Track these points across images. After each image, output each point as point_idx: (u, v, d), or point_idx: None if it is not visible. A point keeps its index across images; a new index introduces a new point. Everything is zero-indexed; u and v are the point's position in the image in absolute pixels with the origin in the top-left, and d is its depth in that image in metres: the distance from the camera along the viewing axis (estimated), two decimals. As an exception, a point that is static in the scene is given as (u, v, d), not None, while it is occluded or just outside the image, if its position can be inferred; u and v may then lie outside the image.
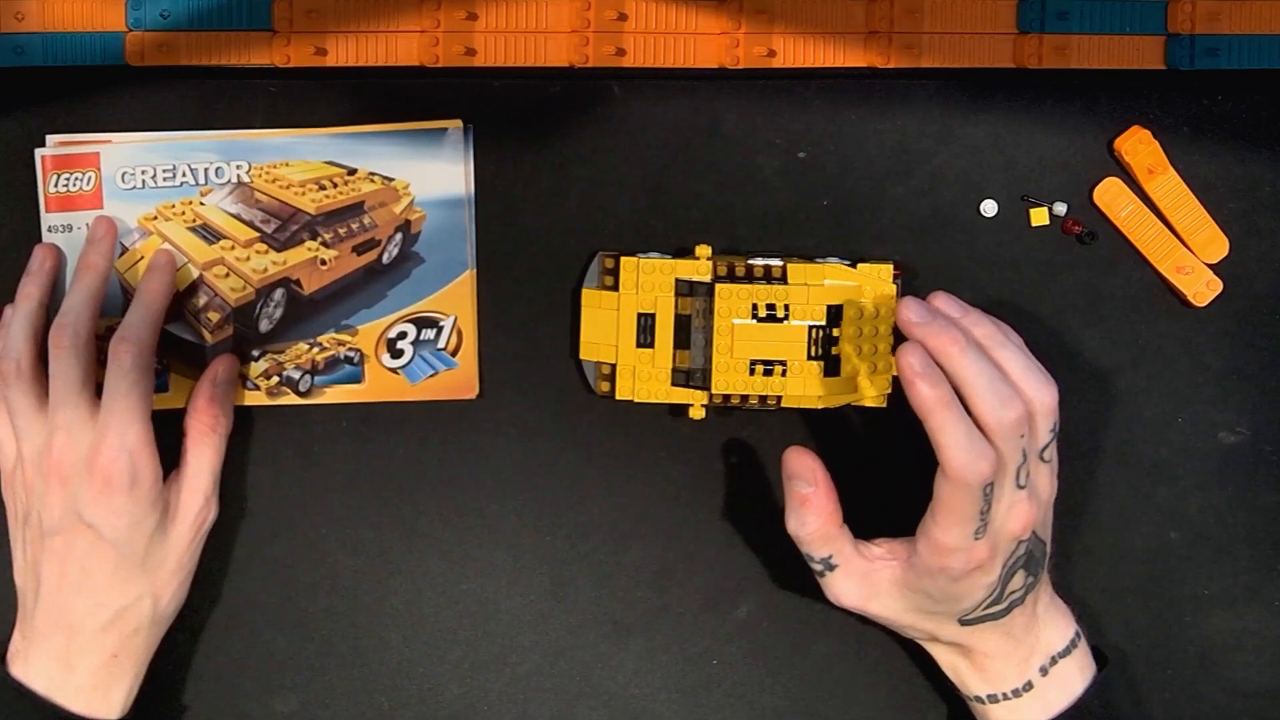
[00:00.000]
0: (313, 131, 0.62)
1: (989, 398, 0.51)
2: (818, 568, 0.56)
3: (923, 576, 0.54)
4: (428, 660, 0.62)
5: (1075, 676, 0.56)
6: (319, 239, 0.62)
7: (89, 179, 0.61)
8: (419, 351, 0.62)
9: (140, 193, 0.62)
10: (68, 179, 0.61)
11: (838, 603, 0.56)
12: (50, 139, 0.62)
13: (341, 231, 0.62)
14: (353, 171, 0.62)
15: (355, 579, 0.62)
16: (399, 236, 0.62)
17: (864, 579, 0.55)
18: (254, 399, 0.62)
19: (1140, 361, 0.63)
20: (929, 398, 0.50)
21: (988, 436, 0.51)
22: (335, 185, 0.62)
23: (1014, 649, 0.56)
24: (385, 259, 0.62)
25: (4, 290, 0.62)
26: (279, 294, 0.62)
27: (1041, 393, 0.53)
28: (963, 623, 0.55)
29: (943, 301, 0.56)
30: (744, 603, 0.63)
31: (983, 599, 0.54)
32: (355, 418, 0.63)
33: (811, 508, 0.55)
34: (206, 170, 0.62)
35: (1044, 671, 0.56)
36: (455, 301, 0.62)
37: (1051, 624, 0.56)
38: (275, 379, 0.62)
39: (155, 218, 0.62)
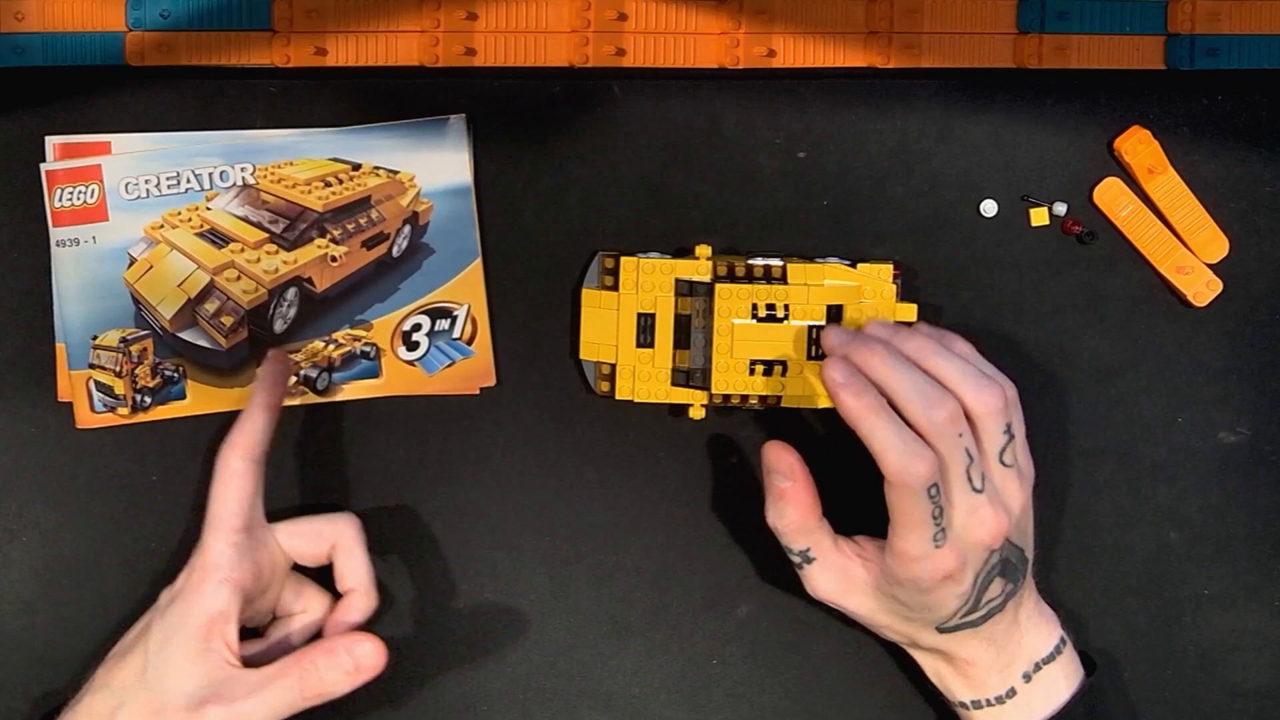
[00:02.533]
0: (315, 129, 0.62)
1: (916, 400, 0.51)
2: (796, 560, 0.56)
3: (894, 585, 0.54)
4: (428, 660, 0.62)
5: (1060, 683, 0.56)
6: (328, 236, 0.62)
7: (93, 192, 0.61)
8: (435, 342, 0.62)
9: (145, 202, 0.62)
10: (71, 193, 0.61)
11: (815, 595, 0.56)
12: (50, 140, 0.62)
13: (350, 227, 0.62)
14: (357, 166, 0.62)
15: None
16: (407, 228, 0.62)
17: (841, 574, 0.56)
18: None
19: (1140, 361, 0.63)
20: (854, 406, 0.51)
21: (925, 439, 0.51)
22: (341, 181, 0.62)
23: (996, 656, 0.56)
24: (395, 252, 0.62)
25: (4, 291, 0.62)
26: (292, 293, 0.62)
27: (983, 394, 0.52)
28: (940, 630, 0.55)
29: (873, 327, 0.56)
30: (744, 603, 0.63)
31: (957, 608, 0.54)
32: (355, 418, 0.63)
33: (790, 501, 0.55)
34: (211, 174, 0.62)
35: (1027, 678, 0.56)
36: (467, 290, 0.62)
37: (1035, 630, 0.56)
38: (293, 379, 0.62)
39: (162, 226, 0.62)
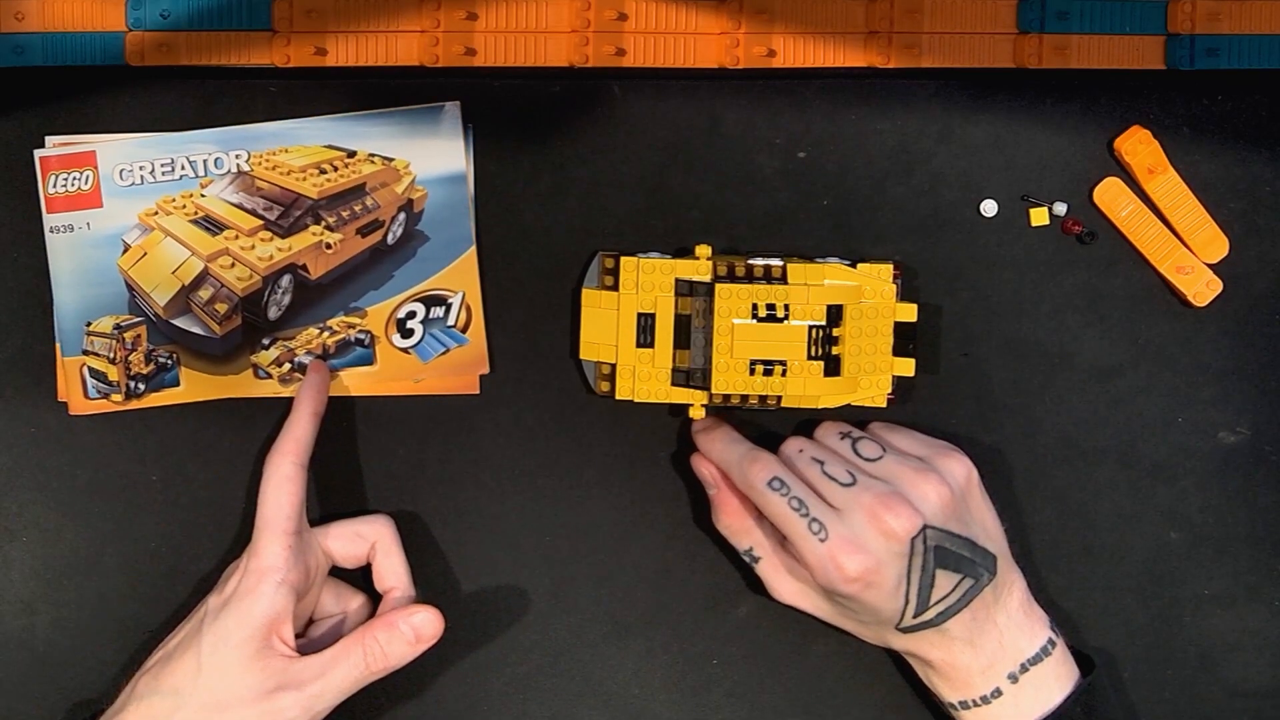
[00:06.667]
0: (310, 117, 0.62)
1: (734, 466, 0.57)
2: (746, 560, 0.59)
3: (828, 591, 0.55)
4: (428, 660, 0.62)
5: (1051, 685, 0.56)
6: (323, 223, 0.62)
7: (87, 178, 0.62)
8: (429, 330, 0.62)
9: (139, 189, 0.62)
10: (66, 179, 0.61)
11: (777, 599, 0.59)
12: (50, 140, 0.62)
13: (345, 214, 0.62)
14: (352, 154, 0.62)
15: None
16: (402, 216, 0.62)
17: (793, 574, 0.58)
18: (267, 388, 0.62)
19: (1140, 361, 0.63)
20: (700, 442, 0.60)
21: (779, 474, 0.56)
22: (336, 168, 0.62)
23: (973, 656, 0.56)
24: (390, 239, 0.62)
25: (4, 291, 0.62)
26: (286, 280, 0.62)
27: (807, 432, 0.59)
28: (902, 631, 0.56)
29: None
30: (744, 603, 0.63)
31: (897, 608, 0.54)
32: (355, 417, 0.63)
33: (718, 505, 0.59)
34: (205, 162, 0.62)
35: (1014, 679, 0.56)
36: (462, 278, 0.62)
37: (1018, 631, 0.56)
38: (287, 366, 0.62)
39: (156, 213, 0.62)
